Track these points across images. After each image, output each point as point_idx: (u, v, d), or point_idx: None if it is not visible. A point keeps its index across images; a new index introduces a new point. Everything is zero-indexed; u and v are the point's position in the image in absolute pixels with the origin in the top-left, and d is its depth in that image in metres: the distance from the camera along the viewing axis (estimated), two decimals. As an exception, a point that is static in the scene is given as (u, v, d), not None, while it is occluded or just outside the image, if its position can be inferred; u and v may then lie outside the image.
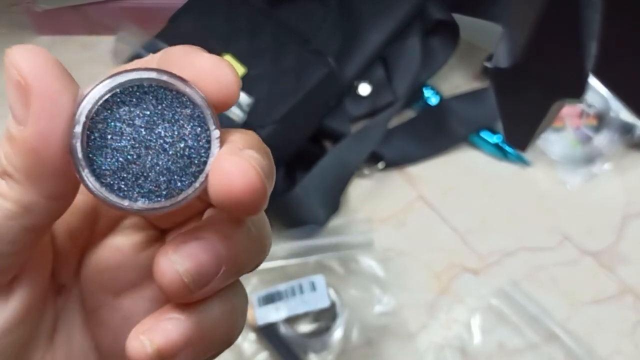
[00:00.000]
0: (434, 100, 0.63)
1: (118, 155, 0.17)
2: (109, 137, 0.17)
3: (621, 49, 0.19)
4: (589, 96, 0.62)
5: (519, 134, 0.25)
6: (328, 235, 0.55)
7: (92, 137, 0.17)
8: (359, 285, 0.54)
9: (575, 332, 0.52)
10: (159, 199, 0.18)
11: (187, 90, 0.18)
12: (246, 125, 0.52)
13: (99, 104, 0.17)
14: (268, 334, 0.51)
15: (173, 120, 0.18)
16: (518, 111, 0.25)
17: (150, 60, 0.20)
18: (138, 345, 0.18)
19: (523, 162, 0.61)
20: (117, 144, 0.17)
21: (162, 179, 0.18)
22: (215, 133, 0.18)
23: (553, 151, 0.60)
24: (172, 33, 0.56)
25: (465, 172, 0.61)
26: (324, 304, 0.51)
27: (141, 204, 0.18)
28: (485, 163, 0.61)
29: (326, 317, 0.53)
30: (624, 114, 0.60)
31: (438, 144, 0.61)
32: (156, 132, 0.18)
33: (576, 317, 0.53)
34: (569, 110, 0.62)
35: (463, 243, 0.57)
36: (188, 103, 0.18)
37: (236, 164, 0.17)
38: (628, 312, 0.54)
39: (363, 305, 0.53)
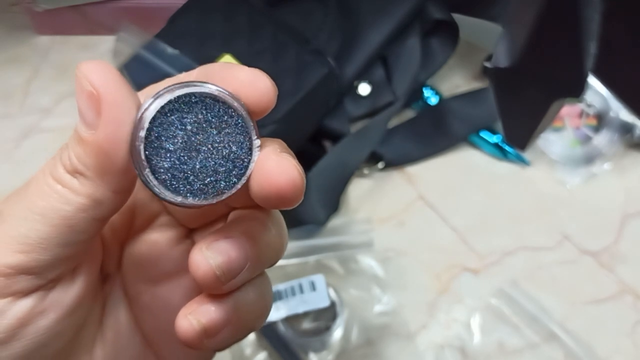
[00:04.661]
0: (433, 100, 0.63)
1: (172, 156, 0.20)
2: (164, 140, 0.20)
3: (621, 49, 0.19)
4: (589, 96, 0.62)
5: (519, 133, 0.26)
6: (328, 235, 0.55)
7: (150, 139, 0.19)
8: (359, 285, 0.54)
9: (574, 332, 0.52)
10: (205, 196, 0.20)
11: (233, 102, 0.20)
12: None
13: (157, 110, 0.19)
14: (268, 333, 0.51)
15: (220, 128, 0.20)
16: (518, 111, 0.25)
17: (188, 76, 0.22)
18: (187, 324, 0.21)
19: (523, 162, 0.61)
20: (171, 146, 0.20)
21: (208, 180, 0.20)
22: (257, 142, 0.21)
23: (553, 151, 0.61)
24: (172, 33, 0.56)
25: (465, 172, 0.61)
26: (324, 303, 0.51)
27: (191, 200, 0.20)
28: (485, 163, 0.61)
29: (326, 316, 0.53)
30: (624, 114, 0.60)
31: (438, 144, 0.61)
32: (205, 137, 0.20)
33: (576, 316, 0.54)
34: (568, 110, 0.62)
35: (463, 243, 0.57)
36: (233, 113, 0.20)
37: (279, 163, 0.20)
38: (627, 311, 0.54)
39: (363, 305, 0.53)
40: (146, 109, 0.19)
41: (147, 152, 0.19)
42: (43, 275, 0.21)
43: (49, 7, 0.63)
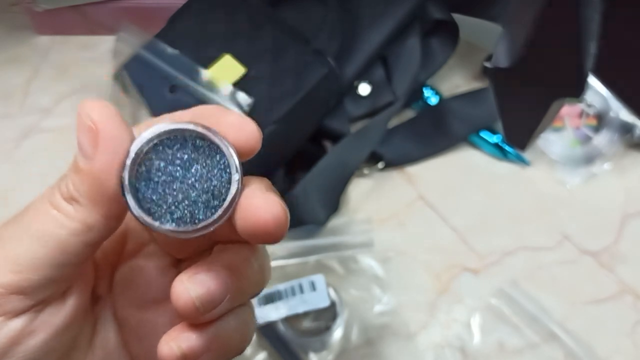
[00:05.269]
0: (433, 100, 0.63)
1: (158, 187, 0.22)
2: (153, 172, 0.22)
3: (621, 48, 0.19)
4: (589, 96, 0.62)
5: (519, 133, 0.26)
6: (328, 235, 0.55)
7: (140, 170, 0.22)
8: (359, 285, 0.54)
9: (574, 332, 0.52)
10: (184, 224, 0.22)
11: (217, 140, 0.22)
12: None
13: (148, 145, 0.22)
14: (268, 333, 0.51)
15: (204, 164, 0.22)
16: (518, 111, 0.25)
17: (185, 114, 0.24)
18: (168, 349, 0.22)
19: (523, 162, 0.61)
20: (158, 178, 0.22)
21: (188, 210, 0.22)
22: (236, 176, 0.22)
23: (553, 151, 0.61)
24: (172, 33, 0.56)
25: (465, 172, 0.61)
26: (324, 303, 0.51)
27: (169, 226, 0.22)
28: (485, 163, 0.61)
29: (326, 316, 0.53)
30: (624, 114, 0.60)
31: (438, 143, 0.61)
32: (190, 171, 0.22)
33: (576, 316, 0.54)
34: (568, 110, 0.62)
35: (463, 243, 0.57)
36: (218, 150, 0.22)
37: (265, 200, 0.21)
38: (627, 311, 0.54)
39: (363, 305, 0.53)
40: (138, 143, 0.21)
41: (133, 182, 0.21)
42: (34, 296, 0.22)
43: (49, 7, 0.63)
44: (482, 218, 0.58)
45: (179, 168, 0.22)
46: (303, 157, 0.57)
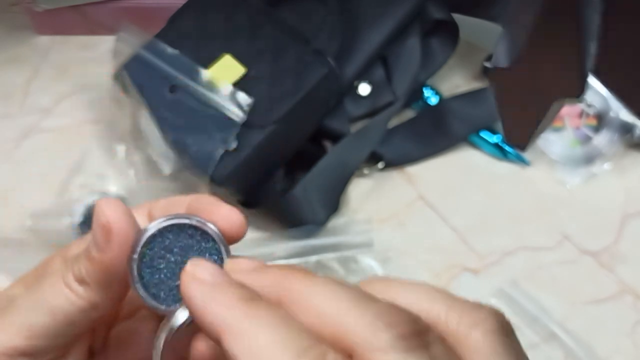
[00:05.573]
0: (433, 100, 0.63)
1: (160, 273, 0.25)
2: (156, 260, 0.25)
3: (621, 49, 0.19)
4: (589, 96, 0.62)
5: (519, 133, 0.26)
6: (328, 235, 0.55)
7: (144, 259, 0.25)
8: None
9: (574, 332, 0.52)
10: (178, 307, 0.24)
11: (210, 230, 0.25)
12: (246, 125, 0.52)
13: (150, 237, 0.25)
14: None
15: (199, 251, 0.25)
16: (518, 111, 0.25)
17: (183, 200, 0.27)
18: None
19: (523, 162, 0.61)
20: (160, 265, 0.25)
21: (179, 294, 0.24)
22: (226, 262, 0.25)
23: (553, 151, 0.61)
24: (172, 33, 0.56)
25: (465, 172, 0.61)
26: (324, 303, 0.51)
27: (173, 308, 0.25)
28: (485, 163, 0.61)
29: (326, 317, 0.52)
30: (624, 114, 0.60)
31: (438, 144, 0.61)
32: (187, 258, 0.25)
33: (576, 316, 0.54)
34: (568, 110, 0.62)
35: (463, 243, 0.57)
36: (210, 239, 0.25)
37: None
38: (627, 311, 0.54)
39: (363, 305, 0.53)
40: (143, 237, 0.25)
41: (140, 270, 0.25)
42: (39, 359, 0.25)
43: (49, 7, 0.63)
44: (482, 218, 0.58)
45: (177, 255, 0.25)
46: (303, 157, 0.57)
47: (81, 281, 0.25)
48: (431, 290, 0.22)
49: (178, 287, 0.24)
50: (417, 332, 0.19)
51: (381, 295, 0.21)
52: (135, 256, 0.25)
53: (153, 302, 0.25)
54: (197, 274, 0.22)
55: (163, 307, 0.25)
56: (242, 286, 0.21)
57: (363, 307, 0.19)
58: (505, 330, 0.21)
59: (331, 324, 0.19)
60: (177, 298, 0.25)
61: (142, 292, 0.25)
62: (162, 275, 0.25)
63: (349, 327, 0.19)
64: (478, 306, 0.21)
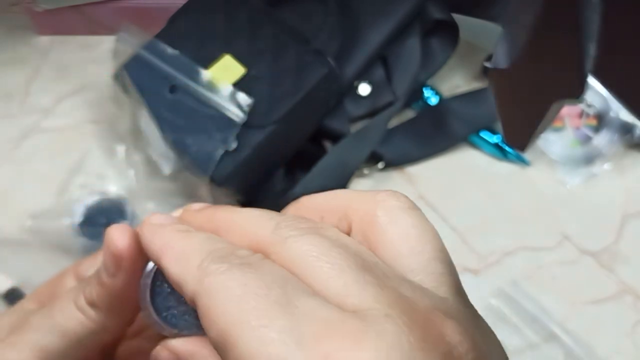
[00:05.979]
0: (433, 100, 0.63)
1: (170, 298, 0.25)
2: (166, 285, 0.25)
3: (621, 49, 0.19)
4: (589, 96, 0.62)
5: (519, 134, 0.25)
6: (328, 235, 0.55)
7: (156, 285, 0.25)
8: (359, 285, 0.54)
9: (574, 332, 0.52)
10: (198, 330, 0.25)
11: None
12: (246, 125, 0.52)
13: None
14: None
15: None
16: (518, 111, 0.25)
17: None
18: None
19: (523, 162, 0.61)
20: (166, 290, 0.25)
21: (191, 318, 0.25)
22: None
23: (553, 151, 0.61)
24: (172, 33, 0.56)
25: (465, 172, 0.61)
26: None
27: (187, 332, 0.25)
28: (485, 163, 0.61)
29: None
30: (624, 114, 0.60)
31: (438, 144, 0.61)
32: None
33: (576, 316, 0.54)
34: (568, 110, 0.62)
35: (463, 243, 0.57)
36: None
37: None
38: (628, 312, 0.54)
39: (363, 305, 0.53)
40: (152, 263, 0.25)
41: (152, 294, 0.25)
42: None
43: (49, 7, 0.63)
44: (482, 218, 0.58)
45: None
46: (303, 157, 0.57)
47: (92, 304, 0.26)
48: (337, 192, 0.26)
49: (189, 311, 0.25)
50: (312, 226, 0.22)
51: (302, 205, 0.26)
52: (148, 281, 0.25)
53: (165, 327, 0.25)
54: (151, 220, 0.25)
55: (175, 331, 0.25)
56: (180, 224, 0.24)
57: (271, 219, 0.23)
58: (408, 204, 0.24)
59: (247, 235, 0.23)
60: (189, 323, 0.25)
61: (154, 316, 0.25)
62: (171, 301, 0.25)
63: (258, 232, 0.22)
64: (375, 192, 0.24)
